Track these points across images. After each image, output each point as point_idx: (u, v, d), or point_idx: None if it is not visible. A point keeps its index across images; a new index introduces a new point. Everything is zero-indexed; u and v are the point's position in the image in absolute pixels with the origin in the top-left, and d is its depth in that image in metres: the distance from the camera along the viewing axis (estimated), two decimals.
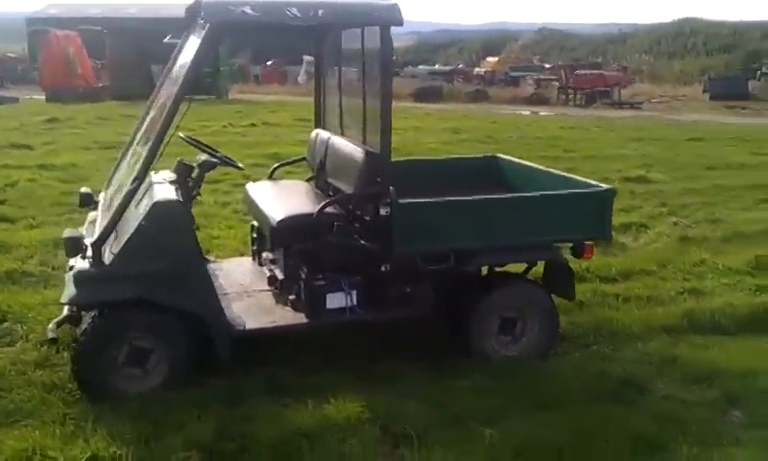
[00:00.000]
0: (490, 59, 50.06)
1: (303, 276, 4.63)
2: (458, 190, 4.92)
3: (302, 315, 4.64)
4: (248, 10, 4.16)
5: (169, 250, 4.24)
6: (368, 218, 4.68)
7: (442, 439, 3.82)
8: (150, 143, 4.15)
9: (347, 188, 4.77)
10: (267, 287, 5.09)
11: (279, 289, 4.93)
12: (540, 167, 5.95)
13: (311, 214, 4.62)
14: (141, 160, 4.13)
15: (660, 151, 15.09)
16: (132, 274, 4.17)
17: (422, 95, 28.25)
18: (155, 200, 4.22)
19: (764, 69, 36.63)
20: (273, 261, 5.23)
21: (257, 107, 23.30)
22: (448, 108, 25.34)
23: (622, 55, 47.92)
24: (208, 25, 4.10)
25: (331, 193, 5.28)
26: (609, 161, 13.30)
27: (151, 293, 4.18)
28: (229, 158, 4.99)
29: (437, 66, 51.30)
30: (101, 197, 5.33)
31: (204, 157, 4.79)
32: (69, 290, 4.16)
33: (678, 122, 22.53)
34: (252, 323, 4.55)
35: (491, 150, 9.25)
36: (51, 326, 4.47)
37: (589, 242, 5.06)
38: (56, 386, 4.33)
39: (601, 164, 12.75)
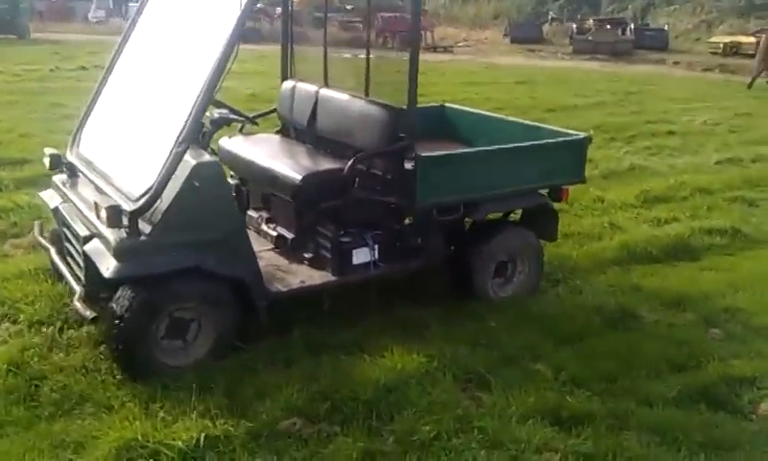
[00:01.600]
0: None
1: (328, 233, 4.62)
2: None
3: (328, 273, 4.64)
4: None
5: (213, 214, 4.06)
6: (388, 173, 4.72)
7: (508, 379, 4.07)
8: (197, 101, 3.88)
9: (364, 145, 4.76)
10: (270, 247, 4.98)
11: (292, 249, 4.85)
12: (491, 115, 6.29)
13: (339, 170, 4.59)
14: (189, 121, 3.86)
15: (500, 94, 16.05)
16: (178, 242, 3.95)
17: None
18: (193, 162, 3.98)
19: (552, 14, 39.78)
20: (270, 220, 5.11)
21: (72, 47, 21.33)
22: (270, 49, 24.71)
23: None
24: None
25: (327, 149, 5.20)
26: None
27: (202, 261, 3.99)
28: (241, 113, 4.77)
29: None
30: (73, 158, 4.87)
31: (215, 112, 4.55)
32: (112, 264, 3.84)
33: (494, 65, 24.02)
34: (283, 285, 4.48)
35: None
36: (78, 304, 4.08)
37: (567, 186, 5.50)
38: (87, 368, 4.01)
39: None
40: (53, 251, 4.81)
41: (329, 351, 4.29)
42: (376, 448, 3.42)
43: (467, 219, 5.11)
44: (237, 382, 3.86)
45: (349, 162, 4.59)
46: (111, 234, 3.92)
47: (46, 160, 4.98)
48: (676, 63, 28.71)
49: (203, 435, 3.34)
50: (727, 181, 9.39)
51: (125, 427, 3.36)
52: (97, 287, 4.21)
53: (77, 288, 4.25)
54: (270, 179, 4.83)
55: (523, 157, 5.16)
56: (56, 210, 4.79)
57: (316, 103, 5.36)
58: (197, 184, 3.94)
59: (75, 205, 4.54)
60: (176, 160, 3.85)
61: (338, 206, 4.63)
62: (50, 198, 4.99)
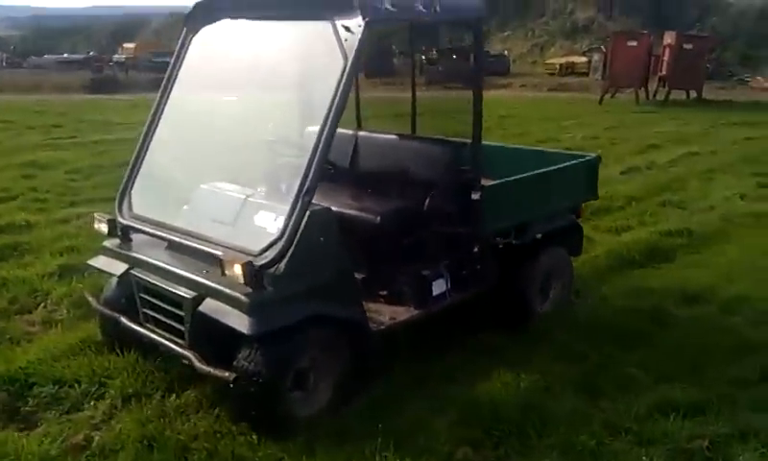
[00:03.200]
0: (128, 45, 47.87)
1: (407, 268, 4.78)
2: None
3: (410, 307, 4.77)
4: (389, 6, 4.19)
5: (327, 259, 4.11)
6: (455, 204, 4.94)
7: (612, 383, 4.43)
8: (318, 152, 3.93)
9: (429, 179, 4.94)
10: None
11: (365, 288, 4.92)
12: (500, 144, 6.64)
13: (415, 206, 4.76)
14: (312, 172, 3.90)
15: None
16: (301, 290, 3.97)
17: (99, 86, 26.31)
18: (309, 210, 4.01)
19: (394, 47, 41.15)
20: None
21: None
22: (136, 98, 23.95)
23: None
24: (366, 22, 4.01)
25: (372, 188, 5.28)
26: None
27: (324, 307, 4.03)
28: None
29: (65, 55, 47.88)
30: (129, 220, 4.70)
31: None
32: (247, 320, 3.79)
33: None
34: (376, 323, 4.54)
35: None
36: (208, 367, 3.96)
37: (583, 203, 5.99)
38: (221, 432, 3.92)
39: None
40: (124, 319, 4.59)
41: (437, 381, 4.43)
42: None
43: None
44: (375, 422, 3.90)
45: (428, 197, 4.77)
46: (238, 290, 3.87)
47: (101, 226, 4.76)
48: (523, 86, 30.82)
49: None
50: (644, 188, 10.38)
51: None
52: (206, 348, 4.10)
53: (186, 352, 4.11)
54: (344, 222, 4.86)
55: (558, 179, 5.57)
56: (125, 276, 4.57)
57: (356, 144, 5.48)
58: (332, 233, 3.99)
59: (159, 267, 4.38)
60: (302, 211, 3.87)
61: (415, 240, 4.78)
62: (108, 265, 4.77)
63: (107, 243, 4.84)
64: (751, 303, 5.78)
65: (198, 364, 4.00)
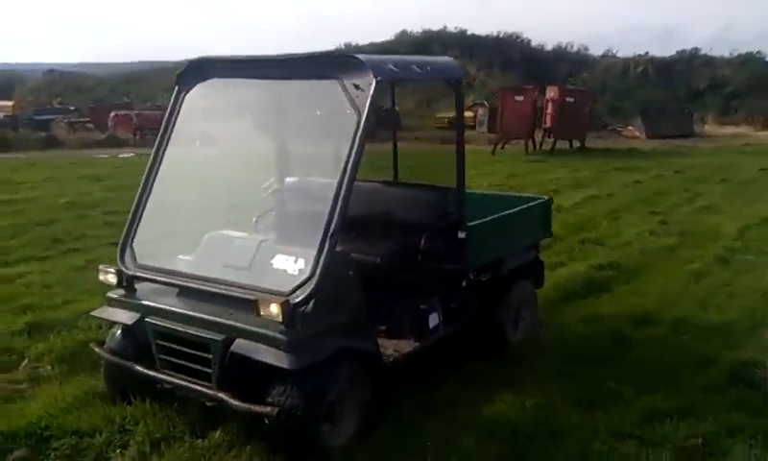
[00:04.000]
0: (3, 102, 45.86)
1: (405, 303, 5.12)
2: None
3: (410, 340, 5.11)
4: (393, 67, 4.61)
5: (350, 297, 4.40)
6: (443, 243, 5.35)
7: (601, 399, 4.91)
8: (341, 197, 4.20)
9: (417, 222, 5.32)
10: None
11: None
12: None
13: (414, 245, 5.13)
14: (336, 216, 4.17)
15: None
16: (327, 327, 4.24)
17: None
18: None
19: None
20: None
21: None
22: (30, 157, 23.09)
23: (148, 94, 48.71)
24: (375, 81, 4.39)
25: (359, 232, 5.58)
26: None
27: (349, 342, 4.31)
28: None
29: None
30: (135, 269, 4.81)
31: None
32: (286, 357, 4.00)
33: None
34: (386, 356, 4.85)
35: None
36: (252, 406, 4.10)
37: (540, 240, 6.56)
38: None
39: None
40: (138, 367, 4.65)
41: (446, 408, 4.77)
42: None
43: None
44: (403, 448, 4.18)
45: (422, 238, 5.15)
46: (272, 329, 4.07)
47: (109, 277, 4.83)
48: (417, 139, 31.91)
49: None
50: (562, 228, 11.06)
51: None
52: (233, 389, 4.24)
53: (218, 393, 4.23)
54: None
55: (523, 219, 6.12)
56: (138, 325, 4.65)
57: None
58: (351, 273, 4.28)
59: (177, 313, 4.49)
60: (330, 253, 4.15)
61: (411, 277, 5.14)
62: (116, 315, 4.82)
63: (112, 294, 4.89)
64: (693, 323, 6.49)
65: (235, 402, 4.15)
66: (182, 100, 5.21)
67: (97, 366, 5.55)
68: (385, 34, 46.23)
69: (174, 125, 5.20)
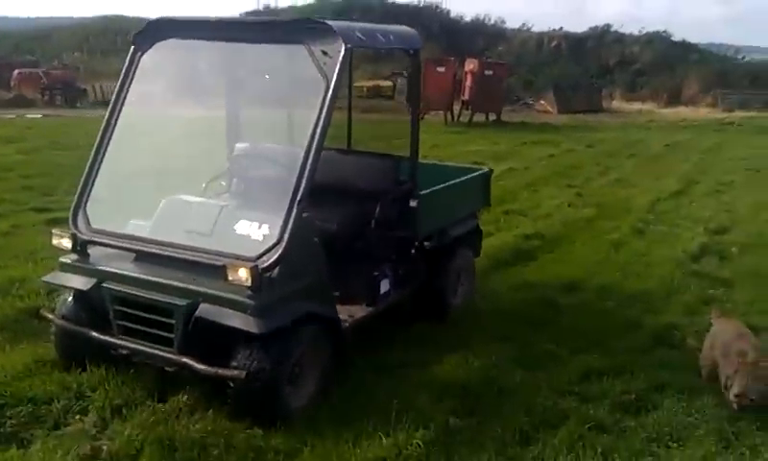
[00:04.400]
0: None
1: (359, 270, 5.30)
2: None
3: (362, 306, 5.30)
4: (360, 35, 4.74)
5: (313, 262, 4.55)
6: (395, 211, 5.53)
7: (541, 358, 5.27)
8: (308, 166, 4.32)
9: (372, 189, 5.49)
10: None
11: None
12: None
13: (369, 212, 5.30)
14: (304, 183, 4.29)
15: None
16: (292, 292, 4.38)
17: None
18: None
19: None
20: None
21: None
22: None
23: (53, 52, 46.55)
24: (345, 48, 4.50)
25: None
26: None
27: (312, 306, 4.47)
28: None
29: None
30: (90, 233, 4.80)
31: None
32: (253, 320, 4.12)
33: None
34: (342, 320, 5.01)
35: None
36: (214, 367, 4.20)
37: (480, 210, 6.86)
38: (229, 428, 4.21)
39: None
40: (95, 333, 4.66)
41: (398, 369, 5.01)
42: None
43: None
44: (362, 407, 4.40)
45: (379, 205, 5.32)
46: (239, 294, 4.18)
47: (63, 241, 4.79)
48: (339, 108, 31.85)
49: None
50: None
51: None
52: (194, 353, 4.33)
53: (182, 358, 4.31)
54: None
55: (467, 188, 6.38)
56: (96, 289, 4.64)
57: None
58: (315, 239, 4.42)
59: (138, 278, 4.52)
60: (298, 218, 4.27)
61: (365, 244, 5.32)
62: (70, 280, 4.80)
63: (64, 259, 4.86)
64: (616, 290, 6.96)
65: (201, 367, 4.24)
66: (138, 61, 5.17)
67: (40, 333, 5.54)
68: None
69: (129, 86, 5.15)
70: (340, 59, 4.48)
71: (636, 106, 36.81)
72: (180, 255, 4.48)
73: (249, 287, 4.15)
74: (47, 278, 5.00)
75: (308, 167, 4.33)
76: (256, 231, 4.46)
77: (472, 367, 4.99)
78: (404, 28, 5.65)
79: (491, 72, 25.68)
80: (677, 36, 44.47)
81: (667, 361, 5.26)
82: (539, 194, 12.40)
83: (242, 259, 4.22)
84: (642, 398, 4.66)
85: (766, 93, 36.75)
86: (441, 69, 25.07)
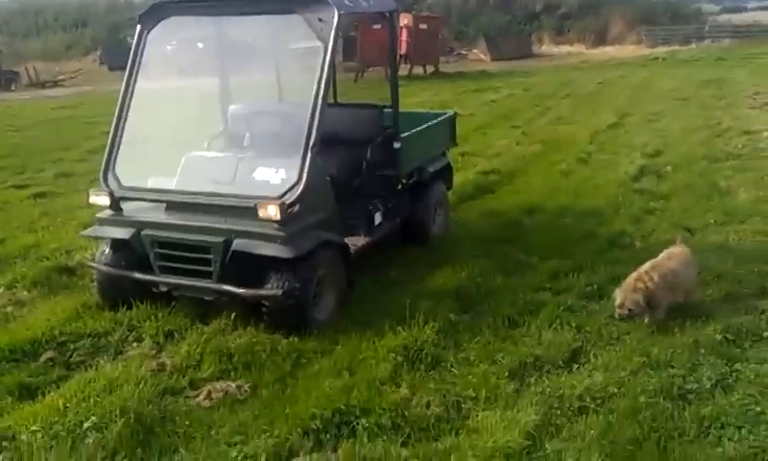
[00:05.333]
0: None
1: (357, 205, 6.12)
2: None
3: (361, 236, 6.13)
4: (348, 2, 5.49)
5: (325, 198, 5.36)
6: (381, 153, 6.34)
7: (516, 267, 6.22)
8: (317, 116, 5.09)
9: (361, 136, 6.28)
10: None
11: None
12: None
13: (360, 156, 6.11)
14: (315, 131, 5.06)
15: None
16: (313, 223, 5.19)
17: None
18: None
19: (129, 39, 40.44)
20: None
21: None
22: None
23: None
24: (338, 14, 5.24)
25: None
26: None
27: (329, 235, 5.30)
28: None
29: None
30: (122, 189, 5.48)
31: None
32: (283, 248, 4.91)
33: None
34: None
35: None
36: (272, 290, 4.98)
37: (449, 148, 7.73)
38: (270, 339, 5.02)
39: None
40: (138, 274, 5.39)
41: (399, 284, 5.88)
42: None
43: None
44: (374, 312, 5.27)
45: (370, 149, 6.13)
46: (269, 228, 4.96)
47: (100, 200, 5.46)
48: None
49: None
50: None
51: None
52: (232, 278, 5.11)
53: (223, 287, 5.08)
54: None
55: (438, 130, 7.24)
56: (136, 237, 5.34)
57: None
58: (327, 178, 5.22)
59: (174, 224, 5.26)
60: (313, 161, 5.05)
61: (360, 184, 6.14)
62: (110, 232, 5.49)
63: (100, 215, 5.55)
64: (571, 209, 7.96)
65: (241, 291, 5.03)
66: (146, 37, 5.81)
67: (71, 287, 6.22)
68: None
69: (140, 60, 5.80)
70: (334, 24, 5.23)
71: (565, 48, 38.13)
72: (209, 201, 5.21)
73: (277, 221, 4.93)
74: (87, 232, 5.68)
75: (317, 117, 5.10)
76: (274, 176, 5.22)
77: (460, 277, 5.89)
78: None
79: (425, 25, 26.44)
80: None
81: (620, 259, 6.24)
82: (488, 136, 13.34)
83: (269, 198, 4.99)
84: (602, 288, 5.62)
85: (686, 28, 38.55)
86: (377, 26, 25.62)
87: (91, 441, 3.82)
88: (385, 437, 3.81)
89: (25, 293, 6.20)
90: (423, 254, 6.55)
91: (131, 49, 5.86)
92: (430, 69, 26.96)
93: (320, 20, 5.26)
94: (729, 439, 3.63)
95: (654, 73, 24.19)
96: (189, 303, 5.45)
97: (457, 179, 9.23)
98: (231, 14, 5.83)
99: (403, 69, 26.05)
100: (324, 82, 5.17)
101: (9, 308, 5.95)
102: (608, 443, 3.56)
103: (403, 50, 26.56)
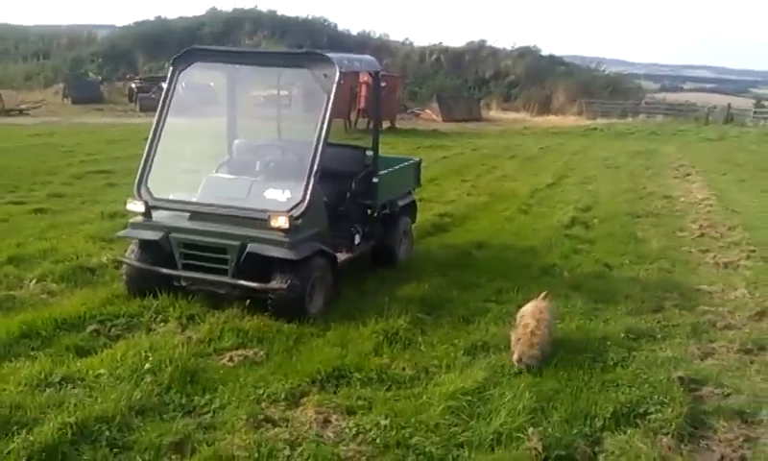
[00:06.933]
0: None
1: (341, 226, 7.47)
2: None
3: (344, 252, 7.47)
4: (346, 61, 6.93)
5: (320, 215, 6.71)
6: (362, 186, 7.73)
7: (470, 285, 7.64)
8: (320, 147, 6.46)
9: (346, 171, 7.67)
10: None
11: None
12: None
13: (346, 187, 7.49)
14: (318, 157, 6.43)
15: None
16: (311, 234, 6.53)
17: None
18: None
19: (91, 74, 41.50)
20: None
21: None
22: None
23: None
24: (339, 71, 6.66)
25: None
26: None
27: (323, 244, 6.64)
28: None
29: None
30: (153, 200, 6.73)
31: None
32: (290, 253, 6.22)
33: (87, 125, 25.53)
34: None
35: None
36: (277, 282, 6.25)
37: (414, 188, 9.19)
38: (275, 323, 6.29)
39: None
40: (164, 269, 6.61)
41: (369, 294, 7.21)
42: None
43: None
44: (354, 312, 6.58)
45: (354, 182, 7.52)
46: (277, 235, 6.27)
47: (136, 207, 6.69)
48: None
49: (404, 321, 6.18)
50: None
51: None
52: (244, 275, 6.38)
53: (238, 281, 6.34)
54: None
55: (407, 171, 8.70)
56: (165, 239, 6.57)
57: None
58: (324, 199, 6.58)
59: (197, 229, 6.52)
60: (315, 184, 6.41)
61: (345, 210, 7.51)
62: (142, 234, 6.71)
63: (133, 220, 6.77)
64: (512, 246, 9.49)
65: (254, 284, 6.30)
66: (177, 78, 7.13)
67: (94, 283, 7.38)
68: (195, 9, 46.68)
69: (172, 96, 7.11)
70: (336, 79, 6.64)
71: (512, 115, 40.59)
72: (228, 213, 6.50)
73: (285, 230, 6.24)
74: (123, 232, 6.89)
75: (319, 151, 6.47)
76: (281, 195, 6.55)
77: (424, 289, 7.26)
78: (369, 57, 7.90)
79: (384, 83, 28.12)
80: (545, 51, 48.99)
81: (550, 283, 7.70)
82: (441, 186, 14.90)
83: (279, 212, 6.31)
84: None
85: (623, 103, 41.49)
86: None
87: (149, 380, 5.01)
88: (373, 386, 5.11)
89: (54, 285, 7.30)
90: (393, 274, 7.91)
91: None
92: (387, 124, 28.61)
93: (324, 76, 6.67)
94: (622, 393, 5.05)
95: (592, 142, 26.44)
96: (204, 296, 6.67)
97: (417, 219, 10.73)
98: (255, 65, 7.23)
99: (361, 122, 27.74)
100: (326, 123, 6.56)
101: (43, 296, 7.06)
102: (536, 390, 4.94)
103: (362, 105, 28.28)
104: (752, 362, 5.94)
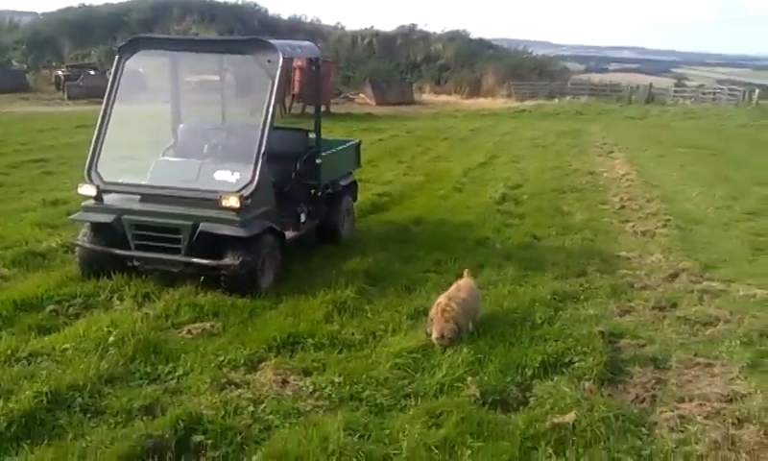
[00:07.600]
0: None
1: (287, 206, 7.86)
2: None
3: (291, 230, 7.87)
4: (288, 48, 7.30)
5: (268, 195, 7.08)
6: (306, 167, 8.13)
7: (417, 257, 8.15)
8: (266, 130, 6.82)
9: (290, 152, 8.05)
10: None
11: None
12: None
13: (291, 168, 7.87)
14: (264, 141, 6.78)
15: None
16: (262, 213, 6.90)
17: None
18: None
19: (15, 63, 40.36)
20: None
21: None
22: None
23: None
24: (283, 57, 7.02)
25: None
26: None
27: (273, 222, 7.03)
28: None
29: None
30: (104, 183, 6.98)
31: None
32: (240, 230, 6.58)
33: (15, 115, 25.02)
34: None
35: None
36: (207, 260, 6.59)
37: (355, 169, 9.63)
38: (230, 298, 6.65)
39: None
40: (117, 250, 6.88)
41: (318, 269, 7.64)
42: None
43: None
44: (302, 285, 7.00)
45: (298, 163, 7.91)
46: (228, 215, 6.62)
47: (89, 190, 6.92)
48: None
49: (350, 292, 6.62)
50: None
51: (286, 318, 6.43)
52: (197, 253, 6.71)
53: (192, 259, 6.67)
54: None
55: (348, 152, 9.13)
56: (117, 221, 6.84)
57: None
58: (271, 179, 6.95)
59: (149, 211, 6.81)
60: (263, 165, 6.77)
61: (290, 190, 7.90)
62: (95, 217, 6.96)
63: (86, 203, 7.01)
64: (448, 221, 10.06)
65: (206, 262, 6.63)
66: (123, 65, 7.36)
67: (45, 267, 7.58)
68: None
69: (118, 83, 7.34)
70: (279, 65, 7.00)
71: (443, 98, 41.33)
72: (179, 194, 6.80)
73: (235, 209, 6.60)
74: (75, 216, 7.11)
75: (266, 133, 6.84)
76: (230, 177, 6.88)
77: (368, 262, 7.71)
78: (309, 43, 8.27)
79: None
80: (474, 34, 49.91)
81: (484, 254, 8.30)
82: (378, 168, 15.35)
83: (230, 192, 6.65)
84: (472, 271, 7.60)
85: (551, 84, 42.71)
86: None
87: (114, 352, 5.33)
88: (326, 350, 5.55)
89: (6, 270, 7.46)
90: (337, 250, 8.34)
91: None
92: (322, 108, 28.86)
93: (268, 61, 7.02)
94: (549, 346, 5.62)
95: (521, 123, 27.34)
96: (158, 275, 6.96)
97: (357, 198, 11.18)
98: (193, 51, 7.50)
99: (296, 108, 27.94)
100: (272, 106, 6.92)
101: None
102: (473, 346, 5.47)
103: (296, 90, 28.45)
104: (664, 317, 6.59)
